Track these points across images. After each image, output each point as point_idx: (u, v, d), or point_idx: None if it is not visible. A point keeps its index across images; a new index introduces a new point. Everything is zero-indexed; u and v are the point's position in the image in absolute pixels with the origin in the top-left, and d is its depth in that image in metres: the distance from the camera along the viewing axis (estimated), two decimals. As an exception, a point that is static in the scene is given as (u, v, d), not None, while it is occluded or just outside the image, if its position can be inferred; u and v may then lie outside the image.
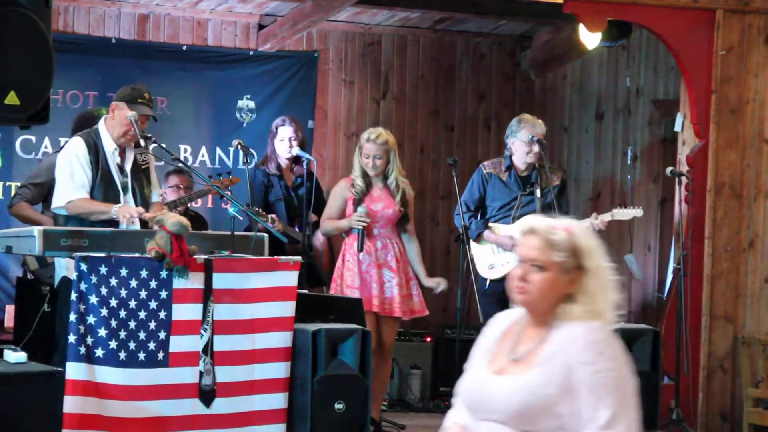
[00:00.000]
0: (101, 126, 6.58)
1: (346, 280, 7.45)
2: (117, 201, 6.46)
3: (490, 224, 7.85)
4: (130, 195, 6.55)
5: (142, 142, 6.57)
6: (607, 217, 7.68)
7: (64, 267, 6.27)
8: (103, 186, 6.45)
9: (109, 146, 6.52)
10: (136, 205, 6.52)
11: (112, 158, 6.52)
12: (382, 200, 7.58)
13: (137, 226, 6.41)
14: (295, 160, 8.00)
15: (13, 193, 8.06)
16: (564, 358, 3.31)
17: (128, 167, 6.58)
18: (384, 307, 7.45)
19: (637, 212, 7.72)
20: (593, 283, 3.40)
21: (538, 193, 7.82)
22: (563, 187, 7.95)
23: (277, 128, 7.95)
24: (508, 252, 7.76)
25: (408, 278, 7.61)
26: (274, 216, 7.61)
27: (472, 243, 7.77)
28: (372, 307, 7.39)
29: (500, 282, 7.80)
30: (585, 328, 3.33)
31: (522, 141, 7.79)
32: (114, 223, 6.34)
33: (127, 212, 6.30)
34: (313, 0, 8.76)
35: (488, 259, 7.80)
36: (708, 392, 7.97)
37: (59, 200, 6.49)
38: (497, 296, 7.78)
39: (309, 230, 7.79)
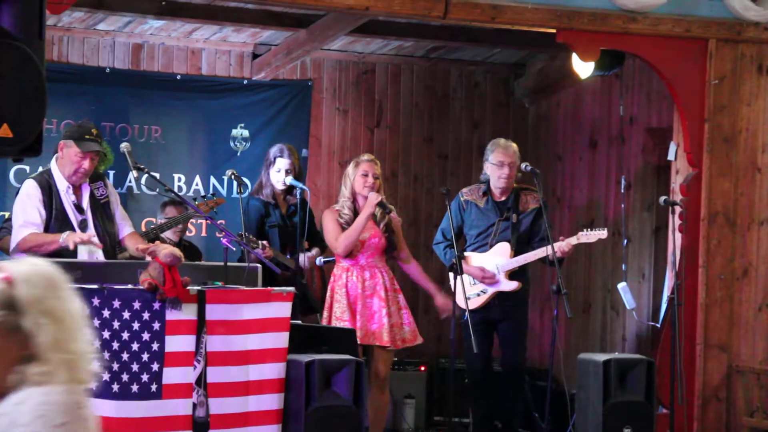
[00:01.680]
0: (53, 165, 6.51)
1: (335, 312, 7.47)
2: None
3: (465, 254, 7.85)
4: (91, 231, 6.47)
5: (134, 173, 6.56)
6: (573, 240, 7.69)
7: None
8: (58, 226, 6.37)
9: (62, 185, 6.45)
10: (101, 241, 6.44)
11: (66, 197, 6.44)
12: (368, 229, 7.60)
13: (100, 253, 6.34)
14: (288, 189, 8.01)
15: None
16: (6, 424, 2.74)
17: (85, 204, 6.51)
18: (371, 337, 7.45)
19: (601, 234, 7.74)
20: (49, 340, 2.76)
21: (514, 218, 7.83)
22: (541, 210, 7.88)
23: (275, 158, 7.94)
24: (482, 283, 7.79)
25: (399, 307, 7.62)
26: (265, 243, 7.61)
27: (450, 274, 7.75)
28: (368, 340, 7.41)
29: (481, 311, 7.80)
30: (41, 391, 2.74)
31: (492, 164, 7.84)
32: (71, 253, 6.25)
33: (74, 238, 6.20)
34: (307, 29, 8.78)
35: (465, 290, 7.77)
36: (703, 422, 7.94)
37: (13, 242, 6.40)
38: (478, 325, 7.75)
39: (302, 258, 7.80)
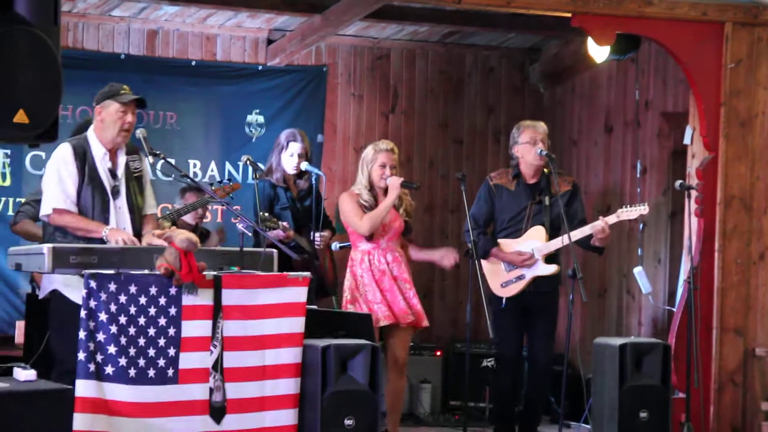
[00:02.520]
0: (90, 133, 6.43)
1: (367, 295, 7.45)
2: (105, 206, 6.33)
3: (498, 240, 7.78)
4: (122, 200, 6.41)
5: (150, 159, 6.56)
6: (612, 218, 7.59)
7: (53, 280, 6.18)
8: (91, 190, 6.31)
9: (99, 151, 6.38)
10: (130, 211, 6.42)
11: (102, 163, 6.38)
12: (389, 212, 7.59)
13: (129, 226, 6.31)
14: (299, 174, 8.01)
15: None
16: None
17: (120, 172, 6.47)
18: (396, 317, 7.46)
19: (642, 209, 7.61)
20: None
21: (546, 201, 7.75)
22: (574, 192, 7.83)
23: (288, 143, 7.94)
24: (520, 267, 7.71)
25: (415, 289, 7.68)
26: (285, 224, 7.63)
27: (483, 261, 7.68)
28: (399, 319, 7.42)
29: (516, 298, 7.74)
30: None
31: (525, 143, 7.71)
32: (100, 239, 6.21)
33: (118, 237, 6.18)
34: (321, 14, 8.78)
35: (500, 277, 7.73)
36: (719, 406, 7.94)
37: (46, 207, 6.32)
38: (513, 312, 7.72)
39: (317, 237, 7.80)
